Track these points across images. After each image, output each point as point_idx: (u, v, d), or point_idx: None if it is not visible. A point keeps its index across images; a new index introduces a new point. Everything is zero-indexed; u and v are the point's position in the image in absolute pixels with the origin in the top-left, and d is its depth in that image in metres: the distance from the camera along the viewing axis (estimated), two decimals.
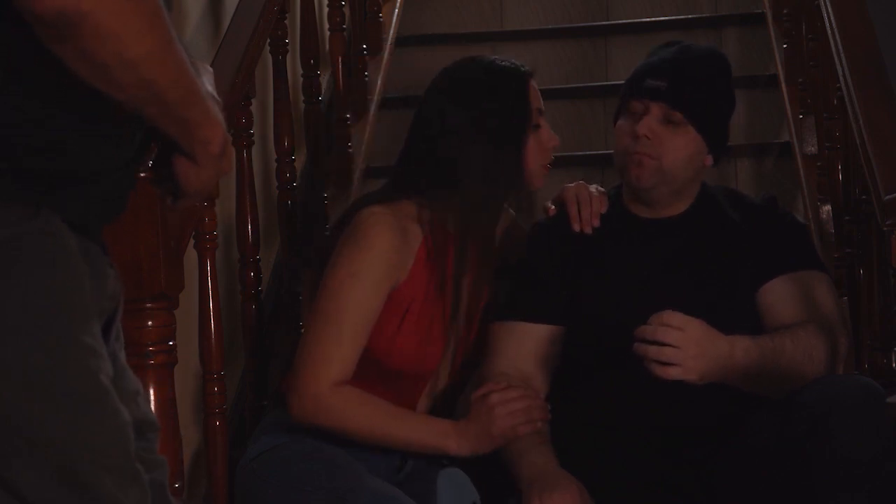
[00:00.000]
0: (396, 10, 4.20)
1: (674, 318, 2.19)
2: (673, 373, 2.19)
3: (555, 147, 2.53)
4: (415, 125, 2.54)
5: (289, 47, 3.17)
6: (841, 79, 2.80)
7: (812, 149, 3.46)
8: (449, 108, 2.47)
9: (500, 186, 2.45)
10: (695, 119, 2.42)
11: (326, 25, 3.65)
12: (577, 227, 2.54)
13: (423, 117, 2.52)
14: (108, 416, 1.35)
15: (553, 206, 2.61)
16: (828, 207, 3.23)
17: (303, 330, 3.00)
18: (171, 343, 2.04)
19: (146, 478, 1.41)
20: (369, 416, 2.35)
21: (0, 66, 1.28)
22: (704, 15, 4.42)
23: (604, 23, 4.45)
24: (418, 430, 2.37)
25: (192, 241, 2.42)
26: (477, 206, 2.43)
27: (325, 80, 3.68)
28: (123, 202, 1.46)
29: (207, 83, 1.61)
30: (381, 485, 2.29)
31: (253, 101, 2.86)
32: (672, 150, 2.42)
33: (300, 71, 3.35)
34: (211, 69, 1.66)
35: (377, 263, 2.37)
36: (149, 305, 1.98)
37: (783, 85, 3.73)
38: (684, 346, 2.18)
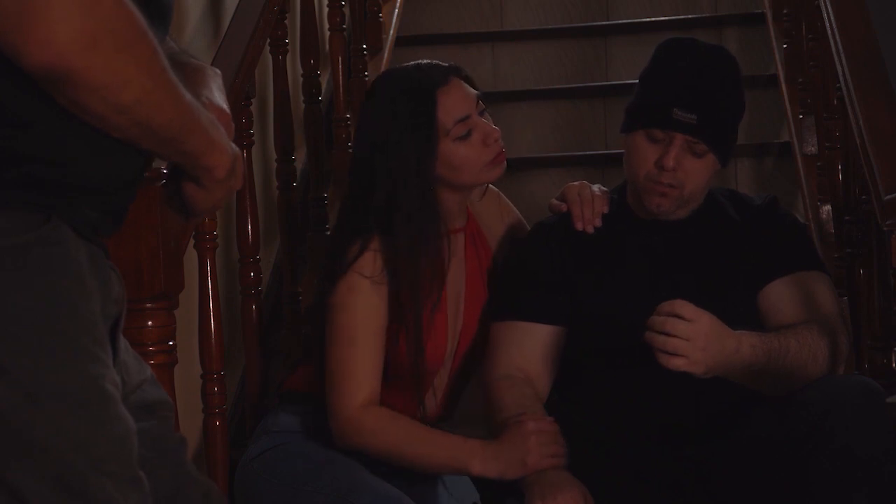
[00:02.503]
0: (396, 10, 4.20)
1: (685, 308, 2.18)
2: (678, 363, 2.17)
3: (497, 139, 2.42)
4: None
5: (289, 47, 3.17)
6: (841, 79, 2.80)
7: (812, 149, 3.46)
8: (357, 142, 2.45)
9: (415, 216, 2.37)
10: (718, 148, 2.41)
11: (326, 25, 3.65)
12: (579, 226, 2.53)
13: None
14: (111, 423, 1.35)
15: (563, 204, 2.59)
16: (828, 207, 3.22)
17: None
18: (171, 343, 2.04)
19: (148, 484, 1.41)
20: (401, 433, 2.33)
21: (8, 75, 1.28)
22: (704, 15, 4.43)
23: (604, 23, 4.45)
24: (448, 448, 2.32)
25: (192, 241, 2.42)
26: (402, 244, 2.37)
27: (325, 80, 3.67)
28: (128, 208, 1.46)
29: (216, 88, 1.60)
30: (382, 485, 2.29)
31: (253, 101, 2.86)
32: (694, 177, 2.41)
33: (300, 71, 3.35)
34: (219, 72, 1.66)
35: (368, 282, 2.37)
36: (149, 306, 1.98)
37: (783, 85, 3.73)
38: (693, 338, 2.17)
